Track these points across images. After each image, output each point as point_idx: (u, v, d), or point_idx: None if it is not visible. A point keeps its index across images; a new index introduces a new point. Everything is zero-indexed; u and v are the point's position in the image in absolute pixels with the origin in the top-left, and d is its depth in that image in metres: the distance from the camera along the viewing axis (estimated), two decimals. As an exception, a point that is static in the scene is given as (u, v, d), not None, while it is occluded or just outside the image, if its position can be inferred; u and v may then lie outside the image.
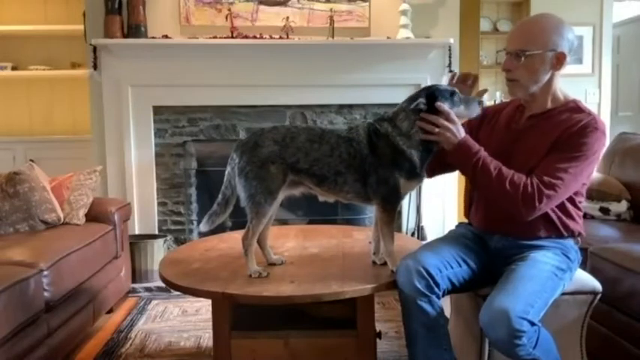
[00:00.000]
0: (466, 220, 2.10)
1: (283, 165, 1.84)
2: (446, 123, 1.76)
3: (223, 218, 1.98)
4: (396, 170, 1.82)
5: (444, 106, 1.78)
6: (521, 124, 1.89)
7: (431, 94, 1.81)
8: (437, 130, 1.77)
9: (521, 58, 1.78)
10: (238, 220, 2.06)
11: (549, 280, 1.70)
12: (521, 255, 1.79)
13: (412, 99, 1.83)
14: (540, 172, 1.71)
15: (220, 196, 1.96)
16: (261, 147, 1.85)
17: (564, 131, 1.75)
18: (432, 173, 2.09)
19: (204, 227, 1.96)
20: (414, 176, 1.85)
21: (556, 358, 1.66)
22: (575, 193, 1.82)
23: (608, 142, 4.16)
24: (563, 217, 1.81)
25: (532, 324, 1.57)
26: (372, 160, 1.82)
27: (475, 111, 1.86)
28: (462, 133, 1.78)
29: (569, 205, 1.82)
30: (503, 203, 1.74)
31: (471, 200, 2.06)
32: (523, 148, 1.82)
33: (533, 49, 1.77)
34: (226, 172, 1.94)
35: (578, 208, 1.86)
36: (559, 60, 1.79)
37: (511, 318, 1.54)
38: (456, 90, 1.85)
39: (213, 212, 1.96)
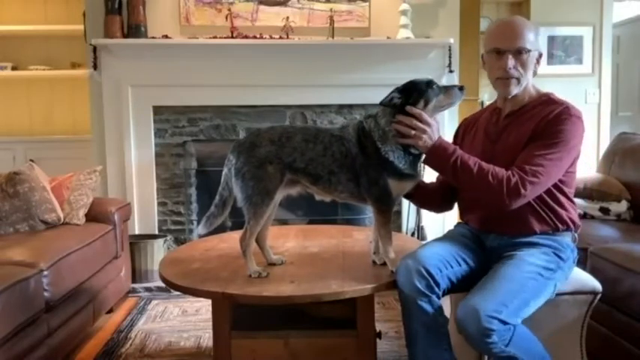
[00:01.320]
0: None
1: (280, 165, 1.83)
2: (420, 125, 1.76)
3: (221, 220, 1.97)
4: (383, 171, 1.81)
5: (415, 109, 1.77)
6: (499, 124, 1.92)
7: (405, 87, 1.81)
8: (413, 132, 1.76)
9: (522, 56, 1.81)
10: (238, 220, 2.06)
11: (530, 280, 1.70)
12: (510, 254, 1.80)
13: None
14: (520, 162, 1.73)
15: (217, 197, 1.95)
16: (259, 147, 1.85)
17: (539, 122, 1.78)
18: (451, 203, 2.09)
19: (202, 230, 1.96)
20: (405, 177, 1.83)
21: (542, 356, 1.66)
22: (563, 183, 1.82)
23: (607, 141, 4.17)
24: (556, 207, 1.82)
25: (504, 323, 1.58)
26: (362, 160, 1.82)
27: (457, 97, 1.83)
28: (436, 135, 1.78)
29: (559, 196, 1.82)
30: (488, 196, 1.73)
31: (461, 199, 2.06)
32: (503, 147, 1.84)
33: (531, 48, 1.82)
34: (223, 174, 1.94)
35: (571, 200, 1.86)
36: (538, 60, 1.87)
37: (480, 317, 1.56)
38: (433, 79, 1.84)
39: (210, 214, 1.95)
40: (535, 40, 1.84)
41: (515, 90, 1.85)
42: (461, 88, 1.84)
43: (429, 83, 1.81)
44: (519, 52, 1.80)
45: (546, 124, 1.76)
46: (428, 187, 2.04)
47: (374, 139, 1.81)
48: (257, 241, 1.98)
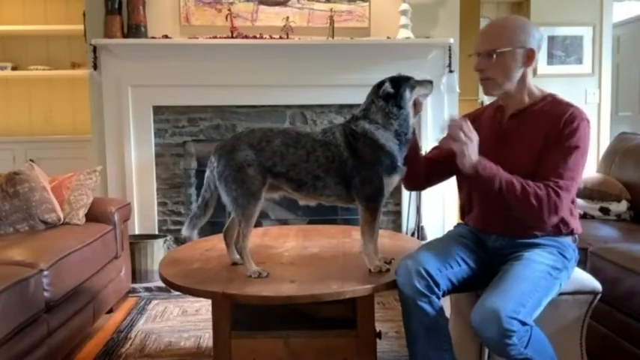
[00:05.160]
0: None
1: (260, 167, 1.84)
2: (469, 134, 1.75)
3: (205, 221, 1.99)
4: (379, 168, 1.83)
5: (460, 119, 1.79)
6: (504, 124, 1.91)
7: (393, 79, 1.87)
8: (464, 138, 1.73)
9: (492, 57, 1.81)
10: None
11: (542, 279, 1.70)
12: (516, 254, 1.79)
13: (375, 90, 1.89)
14: (553, 176, 1.73)
15: (200, 199, 1.97)
16: (238, 151, 1.86)
17: (554, 126, 1.77)
18: (426, 184, 2.11)
19: (186, 231, 1.97)
20: (395, 170, 1.86)
21: (552, 357, 1.66)
22: None
23: (607, 141, 4.17)
24: (565, 215, 1.81)
25: (523, 324, 1.57)
26: (354, 162, 1.83)
27: (429, 88, 1.93)
28: (476, 151, 1.76)
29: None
30: (529, 216, 1.75)
31: (462, 203, 2.06)
32: (512, 149, 1.83)
33: (503, 47, 1.81)
34: (206, 175, 1.96)
35: (573, 204, 1.86)
36: (529, 56, 1.83)
37: (501, 318, 1.54)
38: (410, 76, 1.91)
39: (194, 215, 1.97)
40: (516, 38, 1.81)
41: (493, 91, 1.88)
42: (430, 82, 1.95)
43: (409, 78, 1.90)
44: (489, 55, 1.82)
45: (562, 129, 1.76)
46: (419, 157, 2.03)
47: (372, 138, 1.83)
48: (224, 237, 2.00)
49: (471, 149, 1.74)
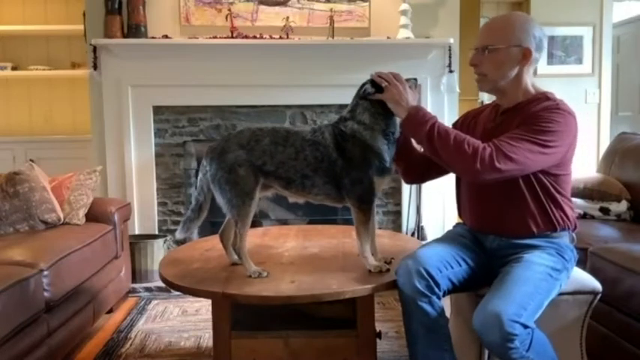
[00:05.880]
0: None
1: (251, 167, 1.85)
2: (394, 80, 1.82)
3: (198, 224, 1.99)
4: (368, 169, 1.83)
5: (389, 73, 1.85)
6: (495, 121, 1.91)
7: (372, 80, 1.88)
8: (385, 84, 1.82)
9: (485, 53, 1.81)
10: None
11: (543, 281, 1.70)
12: (515, 256, 1.79)
13: (359, 91, 1.90)
14: (501, 138, 1.71)
15: (194, 202, 1.98)
16: (228, 152, 1.87)
17: (529, 111, 1.78)
18: (424, 178, 2.12)
19: (179, 235, 1.97)
20: (385, 171, 1.87)
21: (553, 359, 1.66)
22: (558, 183, 1.80)
23: (607, 141, 4.16)
24: (553, 207, 1.80)
25: (525, 327, 1.57)
26: (343, 163, 1.84)
27: (412, 84, 1.91)
28: (410, 97, 1.81)
29: (555, 195, 1.80)
30: (461, 164, 1.70)
31: (459, 200, 2.06)
32: None
33: (496, 44, 1.80)
34: (198, 179, 1.97)
35: (567, 198, 1.85)
36: (525, 56, 1.80)
37: (503, 321, 1.54)
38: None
39: (187, 218, 1.97)
40: (513, 36, 1.79)
41: (486, 87, 1.88)
42: (414, 80, 1.94)
43: None
44: (482, 50, 1.82)
45: (533, 114, 1.75)
46: (413, 148, 2.04)
47: (361, 139, 1.83)
48: (221, 239, 2.01)
49: (398, 93, 1.80)
